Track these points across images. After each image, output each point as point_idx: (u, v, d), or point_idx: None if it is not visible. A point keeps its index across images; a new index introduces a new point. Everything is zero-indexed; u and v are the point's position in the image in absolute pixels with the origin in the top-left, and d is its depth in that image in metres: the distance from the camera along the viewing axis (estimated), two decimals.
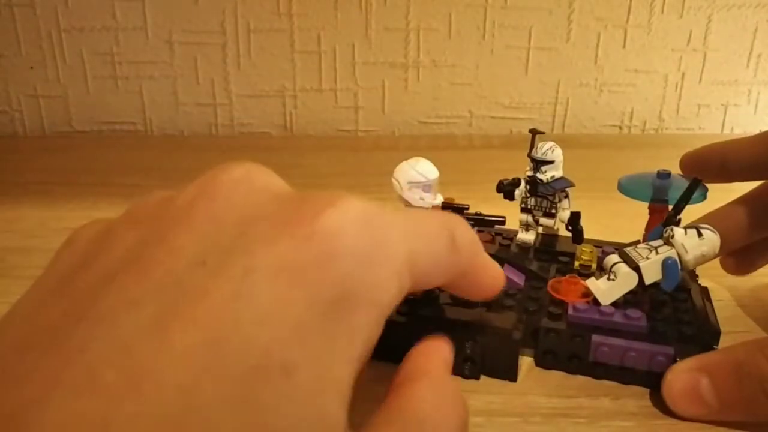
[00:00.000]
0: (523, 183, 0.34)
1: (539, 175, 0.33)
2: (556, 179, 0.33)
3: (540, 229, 0.35)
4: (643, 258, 0.28)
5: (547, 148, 0.33)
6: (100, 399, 0.12)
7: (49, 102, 0.74)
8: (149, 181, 0.57)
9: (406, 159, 0.28)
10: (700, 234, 0.28)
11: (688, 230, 0.28)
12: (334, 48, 0.72)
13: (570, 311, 0.28)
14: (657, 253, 0.28)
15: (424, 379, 0.19)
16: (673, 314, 0.29)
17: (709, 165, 0.34)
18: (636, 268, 0.28)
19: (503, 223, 0.32)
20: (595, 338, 0.27)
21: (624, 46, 0.73)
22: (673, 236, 0.28)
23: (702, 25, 0.73)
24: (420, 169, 0.27)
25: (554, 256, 0.35)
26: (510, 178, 0.34)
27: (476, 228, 0.32)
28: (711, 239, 0.28)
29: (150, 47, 0.71)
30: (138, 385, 0.12)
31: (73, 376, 0.13)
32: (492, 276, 0.22)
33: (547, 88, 0.75)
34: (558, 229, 0.35)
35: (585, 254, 0.32)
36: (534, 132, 0.33)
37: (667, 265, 0.27)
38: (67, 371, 0.13)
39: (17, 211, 0.49)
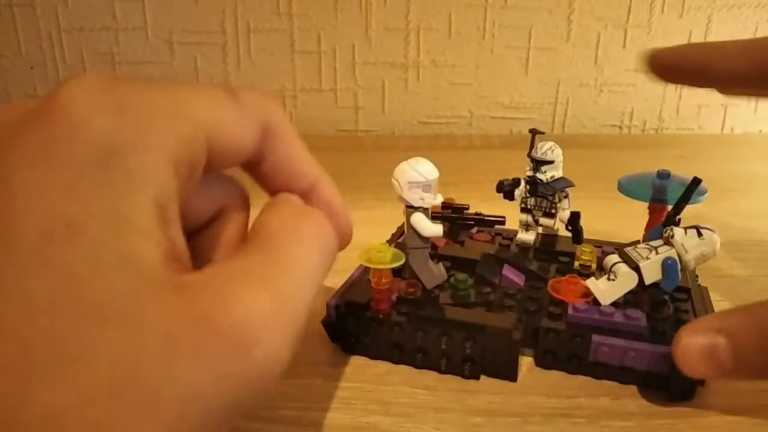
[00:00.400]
0: (523, 183, 0.34)
1: (539, 175, 0.33)
2: (556, 179, 0.33)
3: (540, 229, 0.35)
4: (642, 258, 0.28)
5: (547, 148, 0.33)
6: None
7: None
8: None
9: (406, 159, 0.28)
10: (700, 234, 0.27)
11: (688, 230, 0.28)
12: (334, 48, 0.72)
13: (570, 311, 0.28)
14: (657, 253, 0.28)
15: (270, 208, 0.20)
16: (673, 314, 0.29)
17: (687, 65, 0.30)
18: (636, 268, 0.28)
19: (503, 223, 0.32)
20: (596, 338, 0.27)
21: (624, 46, 0.73)
22: (672, 236, 0.28)
23: (702, 25, 0.73)
24: (420, 169, 0.27)
25: (554, 256, 0.34)
26: (510, 178, 0.34)
27: (476, 228, 0.32)
28: (711, 239, 0.27)
29: (150, 47, 0.72)
30: None
31: None
32: (301, 168, 0.22)
33: (547, 88, 0.75)
34: (558, 229, 0.35)
35: (585, 254, 0.32)
36: (534, 132, 0.33)
37: (667, 265, 0.27)
38: None
39: None
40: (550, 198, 0.33)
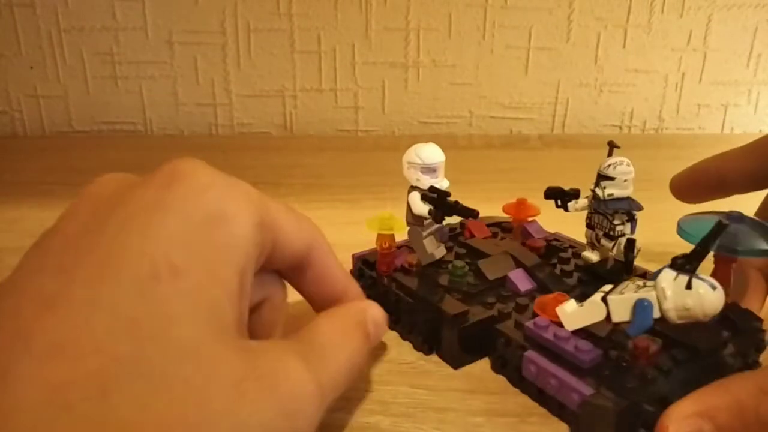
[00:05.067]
0: (587, 197, 0.31)
1: (597, 191, 0.30)
2: (616, 198, 0.30)
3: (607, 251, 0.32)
4: (617, 291, 0.25)
5: (610, 163, 0.30)
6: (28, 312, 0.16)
7: (49, 102, 0.74)
8: None
9: None
10: (689, 285, 0.23)
11: (680, 275, 0.23)
12: (334, 48, 0.72)
13: (528, 323, 0.27)
14: (638, 290, 0.24)
15: (324, 315, 0.23)
16: (619, 366, 0.25)
17: (707, 183, 0.33)
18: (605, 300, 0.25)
19: (476, 216, 0.29)
20: (528, 354, 0.26)
21: (624, 46, 0.73)
22: (656, 276, 0.24)
23: (702, 25, 0.73)
24: (418, 152, 0.29)
25: (595, 279, 0.31)
26: (570, 188, 0.32)
27: (442, 214, 0.31)
28: (699, 295, 0.22)
29: (150, 47, 0.72)
30: (50, 306, 0.16)
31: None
32: (337, 277, 0.26)
33: (547, 88, 0.75)
34: (613, 253, 0.31)
35: None
36: (612, 145, 0.31)
37: (637, 305, 0.23)
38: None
39: (17, 211, 0.49)
40: (610, 218, 0.31)
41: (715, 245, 0.24)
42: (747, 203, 0.33)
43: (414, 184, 0.30)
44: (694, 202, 0.34)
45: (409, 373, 0.28)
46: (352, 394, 0.27)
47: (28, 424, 0.14)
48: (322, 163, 0.62)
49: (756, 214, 0.33)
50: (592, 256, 0.33)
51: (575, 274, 0.32)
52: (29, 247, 0.20)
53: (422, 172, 0.29)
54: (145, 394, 0.15)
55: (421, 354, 0.29)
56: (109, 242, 0.18)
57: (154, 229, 0.18)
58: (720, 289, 0.23)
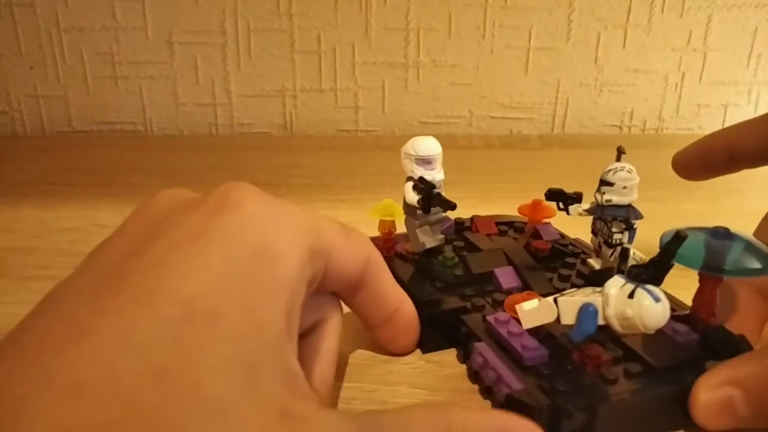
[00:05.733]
0: (590, 203, 0.31)
1: (597, 195, 0.30)
2: (616, 205, 0.29)
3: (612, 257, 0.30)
4: (570, 294, 0.24)
5: (611, 169, 0.29)
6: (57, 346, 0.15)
7: (49, 102, 0.74)
8: (149, 180, 0.57)
9: None
10: (632, 294, 0.22)
11: (628, 284, 0.22)
12: (334, 48, 0.72)
13: (490, 317, 0.27)
14: (588, 295, 0.23)
15: (421, 410, 0.19)
16: (562, 368, 0.24)
17: (716, 157, 0.31)
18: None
19: (453, 208, 0.30)
20: (478, 345, 0.26)
21: (624, 46, 0.73)
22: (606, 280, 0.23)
23: (702, 25, 0.73)
24: (414, 144, 0.30)
25: (589, 286, 0.30)
26: (563, 188, 0.31)
27: (428, 204, 0.31)
28: (641, 306, 0.21)
29: (150, 47, 0.72)
30: (78, 339, 0.15)
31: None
32: (392, 294, 0.25)
33: (547, 88, 0.75)
34: (613, 261, 0.30)
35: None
36: (620, 151, 0.30)
37: (582, 310, 0.23)
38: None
39: (17, 211, 0.49)
40: (609, 225, 0.30)
41: (675, 257, 0.23)
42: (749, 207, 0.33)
43: (408, 174, 0.31)
44: (700, 179, 0.32)
45: (409, 373, 0.28)
46: (352, 393, 0.27)
47: None
48: (322, 163, 0.62)
49: (755, 233, 0.31)
50: (595, 263, 0.32)
51: (574, 280, 0.32)
52: (87, 254, 0.19)
53: (417, 163, 0.30)
54: None
55: (420, 353, 0.29)
56: (147, 273, 0.17)
57: (194, 265, 0.17)
58: (664, 303, 0.22)
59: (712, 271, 0.25)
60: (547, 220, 0.36)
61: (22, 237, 0.44)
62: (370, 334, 0.28)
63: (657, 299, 0.21)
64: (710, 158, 0.31)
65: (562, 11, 0.72)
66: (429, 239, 0.33)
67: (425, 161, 0.31)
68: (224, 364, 0.15)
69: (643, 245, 0.30)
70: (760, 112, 0.76)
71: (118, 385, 0.14)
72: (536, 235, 0.36)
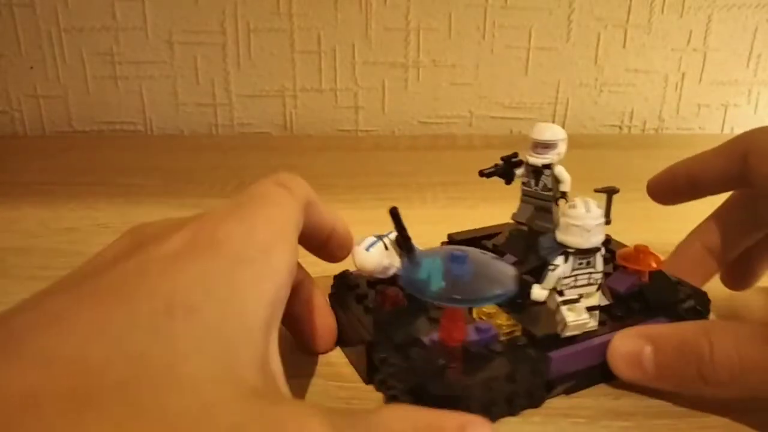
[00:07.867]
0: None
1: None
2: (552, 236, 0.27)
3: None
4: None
5: (572, 204, 0.27)
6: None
7: (49, 102, 0.74)
8: (149, 180, 0.57)
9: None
10: (387, 246, 0.28)
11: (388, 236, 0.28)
12: (334, 48, 0.72)
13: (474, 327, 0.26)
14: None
15: (396, 409, 0.18)
16: (496, 351, 0.25)
17: (677, 186, 0.33)
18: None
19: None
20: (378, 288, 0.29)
21: (624, 46, 0.73)
22: None
23: (702, 25, 0.73)
24: (534, 127, 0.31)
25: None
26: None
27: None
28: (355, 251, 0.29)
29: (150, 47, 0.72)
30: (52, 323, 0.16)
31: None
32: (327, 218, 0.28)
33: (547, 88, 0.75)
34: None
35: (501, 319, 0.27)
36: (610, 192, 0.29)
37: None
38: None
39: (17, 211, 0.49)
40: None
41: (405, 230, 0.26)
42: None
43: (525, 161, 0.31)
44: (670, 204, 0.34)
45: None
46: (352, 393, 0.27)
47: None
48: (322, 163, 0.62)
49: (695, 232, 0.34)
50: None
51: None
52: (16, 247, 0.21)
53: (532, 147, 0.31)
54: (124, 420, 0.14)
55: None
56: (130, 276, 0.18)
57: (178, 271, 0.18)
58: (371, 252, 0.28)
59: (448, 302, 0.23)
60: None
61: (22, 237, 0.44)
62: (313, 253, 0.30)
63: (367, 249, 0.28)
64: (675, 187, 0.33)
65: (562, 11, 0.72)
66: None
67: (543, 145, 0.31)
68: (200, 347, 0.16)
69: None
70: (760, 111, 0.76)
71: (87, 362, 0.15)
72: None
